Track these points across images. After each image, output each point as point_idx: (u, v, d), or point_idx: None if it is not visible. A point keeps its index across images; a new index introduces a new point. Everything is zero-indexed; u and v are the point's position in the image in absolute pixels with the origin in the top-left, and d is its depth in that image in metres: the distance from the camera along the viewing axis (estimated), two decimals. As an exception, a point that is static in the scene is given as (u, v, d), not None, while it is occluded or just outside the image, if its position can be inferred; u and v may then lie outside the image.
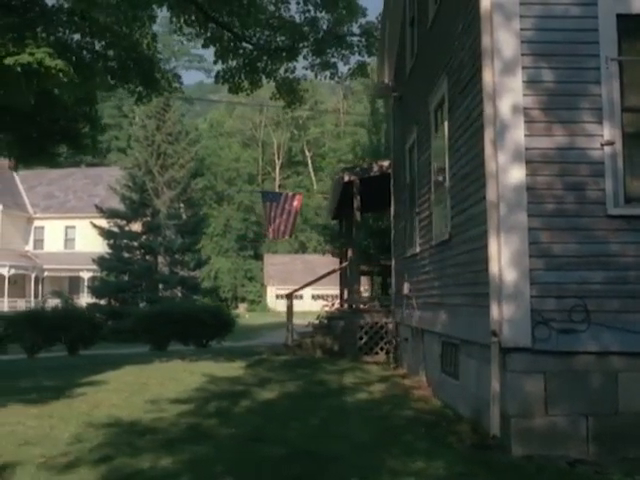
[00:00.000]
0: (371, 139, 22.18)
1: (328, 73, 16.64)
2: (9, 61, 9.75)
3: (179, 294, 38.68)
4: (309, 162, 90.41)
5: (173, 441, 6.99)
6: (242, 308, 66.91)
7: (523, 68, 6.21)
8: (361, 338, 13.44)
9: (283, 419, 8.14)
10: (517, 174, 6.09)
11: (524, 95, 6.18)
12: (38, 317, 22.46)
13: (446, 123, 8.42)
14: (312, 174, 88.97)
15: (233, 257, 75.21)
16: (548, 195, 6.15)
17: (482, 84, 6.38)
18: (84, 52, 12.66)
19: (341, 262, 19.41)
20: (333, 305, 18.69)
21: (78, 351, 21.40)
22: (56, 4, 13.86)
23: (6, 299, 47.53)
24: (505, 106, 6.15)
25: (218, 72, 15.81)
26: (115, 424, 7.93)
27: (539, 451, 5.90)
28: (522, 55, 6.22)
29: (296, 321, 47.85)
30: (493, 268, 6.09)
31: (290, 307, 15.94)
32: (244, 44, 15.13)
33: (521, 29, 6.23)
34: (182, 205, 40.99)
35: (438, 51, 9.09)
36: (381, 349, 13.48)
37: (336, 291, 68.96)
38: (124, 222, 39.56)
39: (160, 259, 39.45)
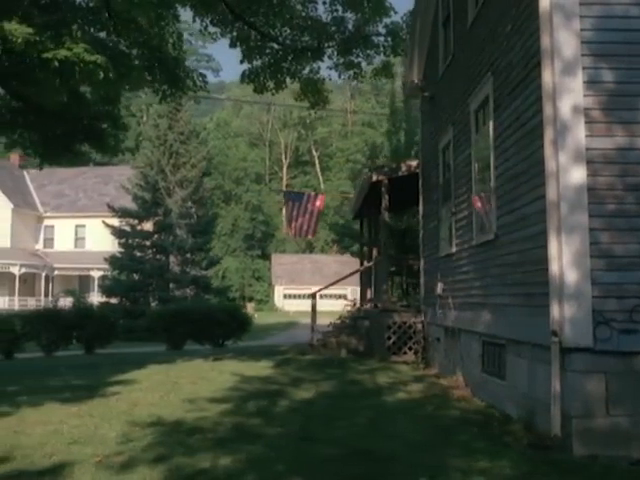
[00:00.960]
0: (390, 139, 22.17)
1: (352, 73, 16.58)
2: (47, 55, 9.76)
3: (190, 293, 38.66)
4: (316, 162, 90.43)
5: (223, 440, 7.01)
6: (250, 308, 66.90)
7: (583, 69, 6.22)
8: (389, 338, 13.44)
9: (327, 419, 8.15)
10: (578, 174, 6.09)
11: (584, 96, 6.19)
12: (54, 316, 22.51)
13: (491, 123, 8.43)
14: (319, 174, 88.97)
15: (240, 257, 75.22)
16: (609, 196, 6.15)
17: (540, 84, 6.39)
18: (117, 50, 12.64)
19: (362, 262, 19.40)
20: (355, 305, 18.68)
21: (94, 350, 21.44)
22: (82, 2, 13.94)
23: (17, 298, 47.66)
24: (566, 106, 6.16)
25: (244, 72, 15.80)
26: (159, 423, 7.95)
27: (600, 451, 5.90)
28: (582, 55, 6.23)
29: (305, 320, 47.75)
30: (553, 268, 6.09)
31: (314, 307, 15.93)
32: (271, 44, 15.10)
33: (581, 29, 6.24)
34: (194, 204, 40.98)
35: (480, 51, 9.10)
36: (409, 349, 13.48)
37: (344, 291, 69.41)
38: (136, 221, 39.61)
39: (171, 258, 39.48)
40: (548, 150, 6.21)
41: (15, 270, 48.03)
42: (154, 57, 14.72)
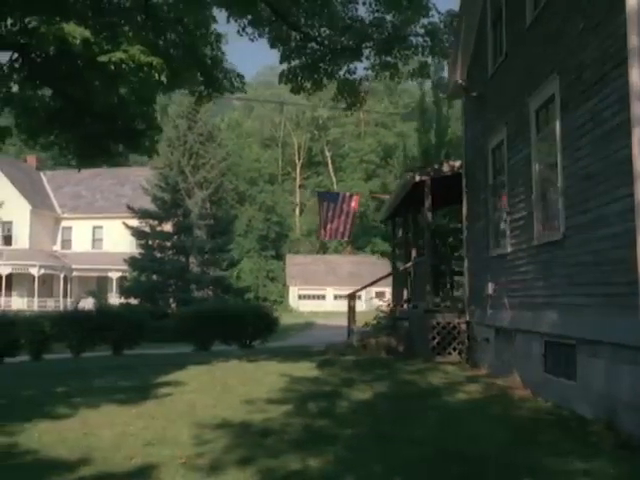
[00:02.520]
0: (420, 139, 22.15)
1: (388, 74, 16.53)
2: (103, 58, 9.76)
3: (210, 294, 38.70)
4: (329, 162, 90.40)
5: (300, 442, 6.99)
6: (266, 309, 66.85)
7: (674, 67, 6.17)
8: (433, 338, 13.40)
9: (395, 419, 8.13)
10: (668, 174, 6.05)
11: (675, 95, 6.15)
12: (82, 317, 22.60)
13: (557, 123, 8.37)
14: (332, 174, 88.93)
15: (255, 257, 75.22)
16: (699, 194, 6.10)
17: (625, 84, 6.34)
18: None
19: (394, 264, 19.36)
20: (389, 305, 18.64)
21: (122, 351, 21.45)
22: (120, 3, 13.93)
23: (36, 299, 47.81)
24: (655, 106, 6.12)
25: (283, 72, 15.78)
26: (226, 425, 7.95)
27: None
28: (674, 54, 6.18)
29: (321, 321, 47.73)
30: (644, 268, 6.05)
31: (353, 308, 15.91)
32: (311, 44, 15.07)
33: (673, 27, 6.18)
34: (213, 205, 41.05)
35: (542, 51, 9.06)
36: (454, 349, 13.43)
37: (359, 292, 68.93)
38: (156, 222, 39.72)
39: (191, 259, 39.55)
40: (636, 150, 6.16)
41: (34, 271, 48.18)
42: (192, 58, 14.73)
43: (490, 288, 11.53)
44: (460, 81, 13.52)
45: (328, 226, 17.25)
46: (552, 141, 8.62)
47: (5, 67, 11.62)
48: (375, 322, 17.42)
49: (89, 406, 9.43)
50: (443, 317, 13.54)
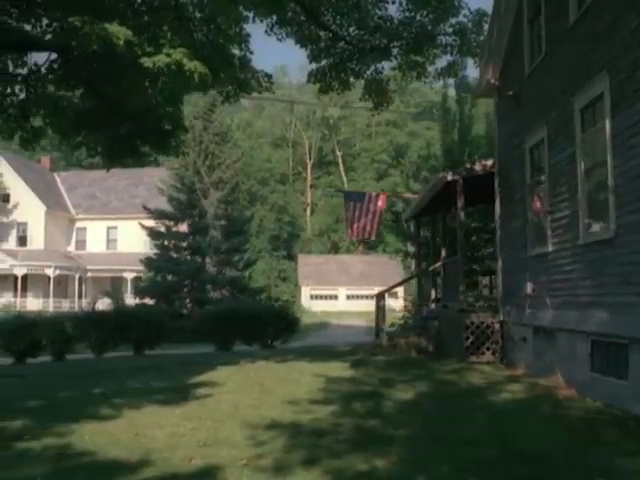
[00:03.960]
0: (444, 139, 22.08)
1: (415, 73, 16.47)
2: (148, 63, 9.75)
3: (227, 295, 38.69)
4: (340, 162, 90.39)
5: (357, 442, 6.97)
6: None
7: None
8: (467, 338, 13.34)
9: (445, 419, 8.10)
10: None
11: None
12: (103, 317, 22.64)
13: (607, 122, 8.32)
14: (343, 174, 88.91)
15: (266, 257, 75.27)
16: None
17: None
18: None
19: (418, 263, 19.31)
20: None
21: (143, 351, 21.46)
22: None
23: (51, 299, 47.95)
24: None
25: (311, 71, 15.75)
26: (276, 425, 7.93)
27: None
28: None
29: (335, 321, 47.71)
30: None
31: (383, 307, 15.87)
32: (341, 44, 15.03)
33: None
34: (229, 206, 41.05)
35: (589, 49, 9.01)
36: (487, 349, 13.38)
37: (372, 291, 69.01)
38: (172, 223, 39.76)
39: (207, 259, 39.57)
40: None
41: (49, 272, 48.32)
42: (221, 57, 14.71)
43: (529, 287, 11.48)
44: (493, 80, 13.46)
45: (355, 225, 17.21)
46: (600, 140, 8.56)
47: (42, 67, 11.65)
48: (402, 322, 17.38)
49: (131, 407, 9.41)
50: (477, 317, 13.49)
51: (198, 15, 13.98)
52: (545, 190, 10.88)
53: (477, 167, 14.06)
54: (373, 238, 18.46)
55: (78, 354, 21.56)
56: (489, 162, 13.98)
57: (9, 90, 12.44)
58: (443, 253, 16.31)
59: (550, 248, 10.57)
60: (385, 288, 17.49)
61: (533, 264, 11.52)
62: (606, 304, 8.40)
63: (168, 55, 9.90)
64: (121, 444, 7.17)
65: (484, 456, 6.16)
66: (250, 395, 10.26)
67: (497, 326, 13.36)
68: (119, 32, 9.39)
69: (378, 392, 10.13)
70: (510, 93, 12.54)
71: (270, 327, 22.82)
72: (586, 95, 9.07)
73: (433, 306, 17.13)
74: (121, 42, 9.46)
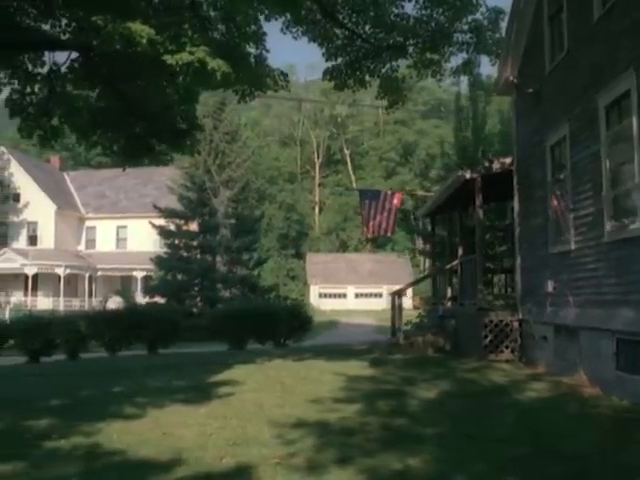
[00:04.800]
0: (457, 136, 22.04)
1: (430, 71, 16.42)
2: (171, 61, 9.75)
3: (237, 293, 38.71)
4: (348, 161, 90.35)
5: (387, 441, 6.96)
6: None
7: None
8: (486, 336, 13.31)
9: (472, 418, 8.08)
10: None
11: None
12: (116, 316, 22.71)
13: (634, 119, 8.27)
14: (351, 172, 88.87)
15: (275, 256, 75.31)
16: None
17: None
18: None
19: (434, 261, 19.27)
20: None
21: (157, 350, 21.48)
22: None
23: (62, 298, 48.08)
24: None
25: (326, 69, 15.73)
26: (303, 424, 7.93)
27: None
28: None
29: (344, 319, 47.68)
30: None
31: (400, 306, 15.83)
32: (358, 42, 15.01)
33: None
34: (239, 204, 41.08)
35: (614, 46, 8.95)
36: (506, 347, 13.34)
37: (379, 290, 68.89)
38: (182, 221, 39.83)
39: (218, 258, 39.60)
40: None
41: (60, 271, 48.45)
42: (237, 56, 14.70)
43: (549, 285, 11.44)
44: (512, 78, 13.42)
45: (371, 223, 17.19)
46: (627, 138, 8.51)
47: (63, 67, 11.68)
48: (417, 320, 17.35)
49: (154, 406, 9.43)
50: (496, 315, 13.45)
51: (212, 14, 14.00)
52: (567, 188, 10.83)
53: (495, 165, 14.00)
54: (389, 235, 18.42)
55: (91, 353, 21.65)
56: (507, 160, 13.94)
57: (28, 89, 12.48)
58: (460, 251, 16.27)
59: (573, 246, 10.52)
60: (401, 287, 17.47)
61: (554, 262, 11.47)
62: (632, 302, 8.35)
63: (191, 53, 9.90)
64: (150, 443, 7.18)
65: (519, 454, 6.15)
66: (272, 394, 10.26)
67: (516, 324, 13.32)
68: (142, 31, 9.40)
69: (400, 391, 10.11)
70: (530, 91, 12.49)
71: (283, 325, 22.79)
72: (611, 92, 9.02)
73: (449, 304, 17.10)
74: (144, 41, 9.47)
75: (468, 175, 13.86)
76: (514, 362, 12.97)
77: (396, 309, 16.37)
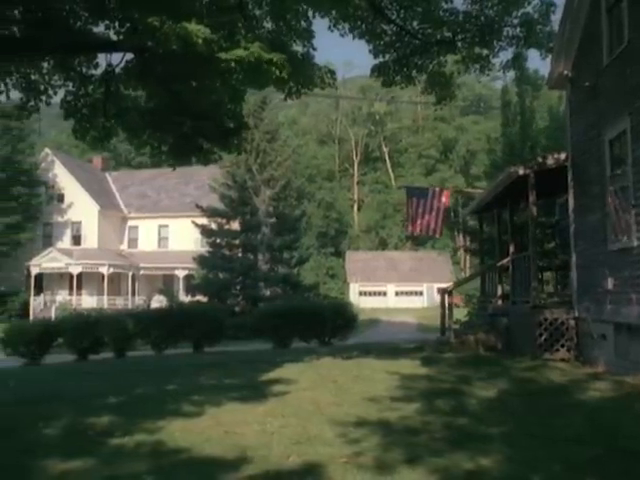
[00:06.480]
0: (505, 132, 21.75)
1: (478, 66, 16.21)
2: (225, 56, 9.76)
3: (279, 292, 38.76)
4: (387, 158, 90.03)
5: (454, 440, 6.88)
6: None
7: None
8: (540, 335, 13.09)
9: (537, 417, 7.95)
10: None
11: None
12: (163, 315, 22.89)
13: None
14: (390, 170, 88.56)
15: (314, 254, 75.37)
16: None
17: None
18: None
19: (482, 259, 19.05)
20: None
21: (203, 348, 21.60)
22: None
23: (105, 297, 48.72)
24: None
25: (374, 66, 15.63)
26: (365, 423, 7.89)
27: None
28: None
29: (385, 317, 47.53)
30: None
31: (450, 304, 15.67)
32: (407, 38, 14.87)
33: None
34: (280, 203, 41.15)
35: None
36: (562, 346, 13.11)
37: (419, 288, 68.55)
38: (224, 220, 40.03)
39: (259, 257, 39.72)
40: None
41: (104, 270, 49.10)
42: (284, 53, 14.68)
43: (609, 283, 11.20)
44: (566, 72, 13.17)
45: (418, 221, 16.99)
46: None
47: (117, 67, 11.78)
48: (466, 319, 17.15)
49: (212, 404, 9.47)
50: (550, 313, 13.22)
51: (258, 12, 14.00)
52: (628, 183, 10.58)
53: (549, 161, 13.73)
54: (437, 236, 18.22)
55: (138, 351, 21.90)
56: (562, 155, 13.67)
57: (82, 91, 12.61)
58: (511, 249, 16.03)
59: (635, 242, 10.27)
60: (451, 284, 17.28)
61: (614, 259, 11.22)
62: None
63: (246, 49, 9.90)
64: (213, 441, 7.20)
65: (593, 455, 6.03)
66: (327, 392, 10.23)
67: (572, 322, 13.08)
68: (198, 31, 9.41)
69: (458, 389, 10.01)
70: (586, 84, 12.24)
71: (328, 324, 22.73)
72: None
73: (499, 303, 16.87)
74: (200, 40, 9.48)
75: (521, 171, 13.64)
76: (570, 361, 12.74)
77: (446, 307, 16.20)
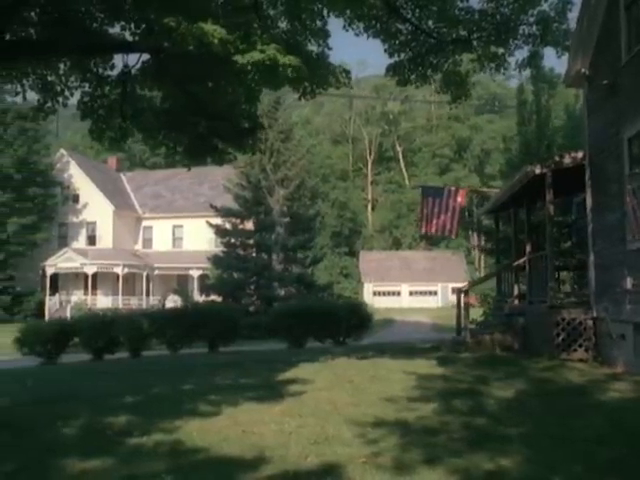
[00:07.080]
0: (521, 131, 21.64)
1: (494, 65, 16.13)
2: (241, 60, 9.76)
3: (294, 291, 38.77)
4: (400, 157, 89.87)
5: (472, 441, 6.86)
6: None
7: None
8: (558, 335, 13.01)
9: (557, 418, 7.89)
10: None
11: None
12: (178, 314, 22.91)
13: None
14: (404, 169, 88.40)
15: (328, 254, 75.34)
16: None
17: None
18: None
19: (498, 259, 18.95)
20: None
21: (218, 348, 21.61)
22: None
23: (120, 297, 48.94)
24: None
25: (389, 65, 15.58)
26: (382, 423, 7.86)
27: None
28: None
29: (398, 318, 47.42)
30: None
31: (467, 304, 15.59)
32: (422, 37, 14.82)
33: None
34: (294, 203, 41.16)
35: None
36: (579, 346, 13.02)
37: (434, 287, 68.45)
38: (238, 220, 40.09)
39: (274, 256, 39.75)
40: None
41: (118, 270, 49.32)
42: (298, 53, 14.66)
43: (628, 283, 11.11)
44: (583, 70, 13.08)
45: (434, 221, 16.88)
46: None
47: (134, 68, 11.82)
48: (482, 318, 17.07)
49: (228, 404, 9.46)
50: (568, 313, 13.13)
51: (272, 12, 13.99)
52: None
53: (567, 159, 13.63)
54: (453, 237, 18.14)
55: (153, 351, 21.95)
56: (579, 154, 13.57)
57: (99, 92, 12.66)
58: (528, 248, 15.93)
59: (655, 242, 10.20)
60: (467, 284, 17.19)
61: (633, 258, 11.12)
62: None
63: (262, 51, 9.89)
64: (231, 441, 7.20)
65: (614, 456, 5.98)
66: (344, 392, 10.21)
67: (590, 322, 12.99)
68: (214, 31, 9.43)
69: (475, 390, 9.97)
70: (605, 82, 12.15)
71: (343, 324, 22.68)
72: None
73: (516, 302, 16.78)
74: (216, 41, 9.50)
75: (538, 170, 13.55)
76: (589, 361, 12.66)
77: (462, 307, 16.13)
